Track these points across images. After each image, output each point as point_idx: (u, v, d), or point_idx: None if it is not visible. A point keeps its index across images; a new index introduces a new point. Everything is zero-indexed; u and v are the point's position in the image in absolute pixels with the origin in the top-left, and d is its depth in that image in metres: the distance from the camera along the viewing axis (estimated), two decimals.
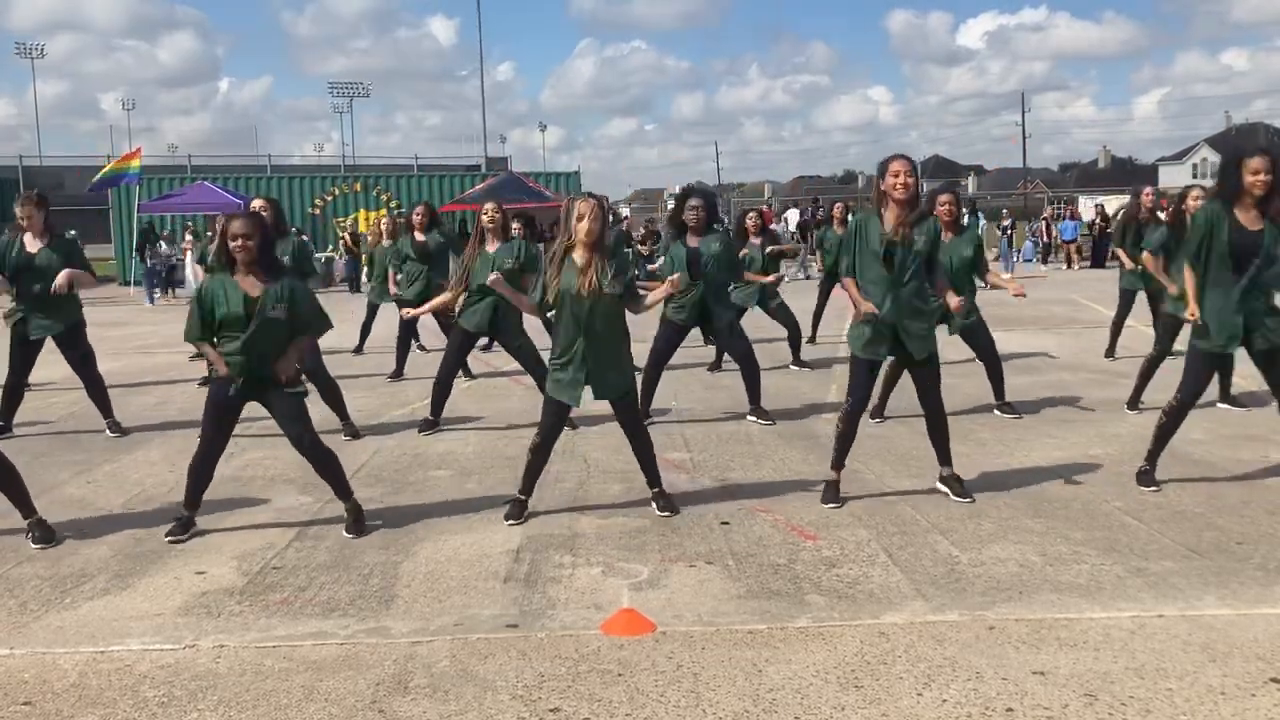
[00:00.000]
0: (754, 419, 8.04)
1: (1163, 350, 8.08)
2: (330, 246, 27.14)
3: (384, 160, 55.11)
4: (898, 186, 5.53)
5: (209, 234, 11.70)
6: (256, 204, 7.93)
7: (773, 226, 26.08)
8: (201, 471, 5.48)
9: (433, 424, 7.91)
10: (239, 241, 5.23)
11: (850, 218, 7.46)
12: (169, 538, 5.36)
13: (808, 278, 22.27)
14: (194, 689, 3.69)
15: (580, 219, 5.45)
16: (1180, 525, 5.25)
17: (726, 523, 5.49)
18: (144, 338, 15.53)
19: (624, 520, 5.53)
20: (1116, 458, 6.63)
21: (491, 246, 7.70)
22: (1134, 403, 8.14)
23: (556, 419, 5.65)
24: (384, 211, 23.89)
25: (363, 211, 28.36)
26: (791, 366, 10.70)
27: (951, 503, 5.73)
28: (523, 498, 5.66)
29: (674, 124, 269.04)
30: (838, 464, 5.87)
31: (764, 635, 4.04)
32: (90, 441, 7.89)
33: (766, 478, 6.41)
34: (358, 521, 5.46)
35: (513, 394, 9.51)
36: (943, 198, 8.07)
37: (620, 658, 3.86)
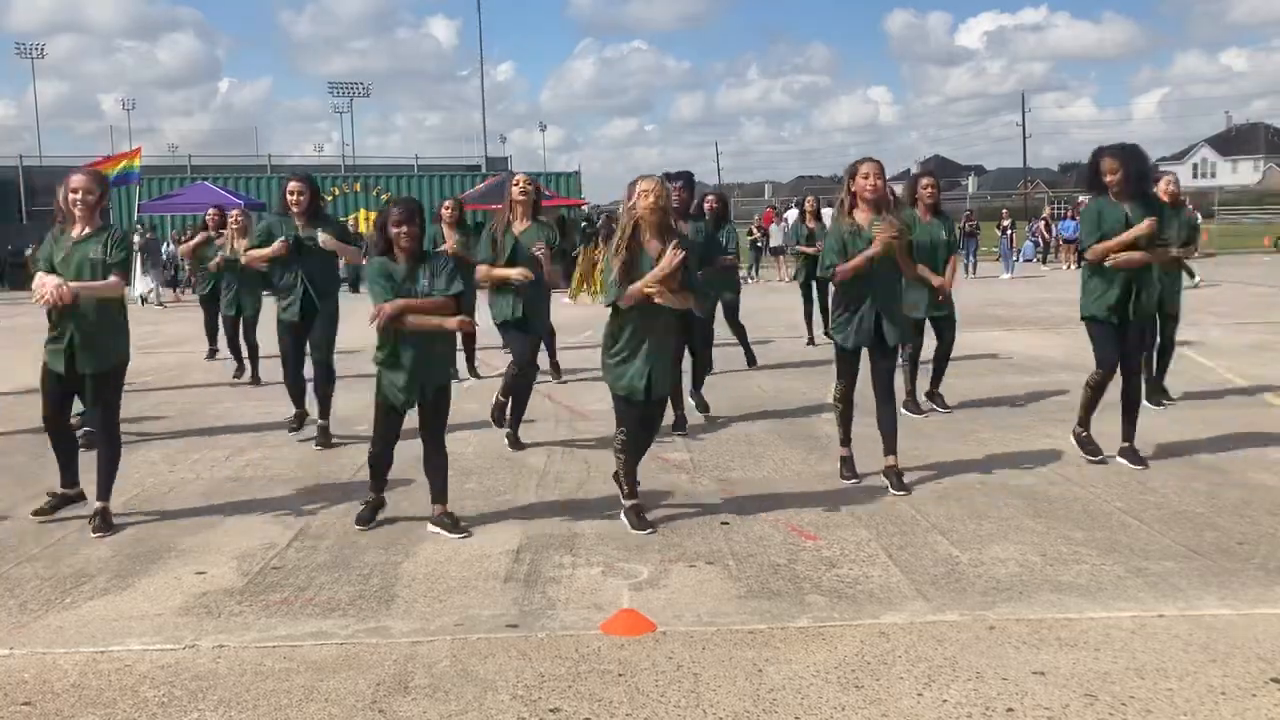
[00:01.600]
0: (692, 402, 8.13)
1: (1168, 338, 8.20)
2: None
3: (384, 160, 55.01)
4: (867, 188, 5.90)
5: (212, 232, 11.61)
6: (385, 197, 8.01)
7: (773, 226, 26.09)
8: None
9: (515, 440, 7.39)
10: (403, 229, 5.28)
11: (823, 211, 7.68)
12: (359, 526, 5.48)
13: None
14: (194, 689, 3.69)
15: (645, 195, 5.26)
16: (1181, 525, 5.25)
17: (726, 523, 5.49)
18: (145, 338, 15.53)
19: (624, 520, 5.52)
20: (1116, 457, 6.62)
21: (520, 225, 7.18)
22: (1153, 397, 8.10)
23: (632, 410, 5.43)
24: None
25: (363, 211, 28.39)
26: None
27: (952, 502, 5.73)
28: (635, 502, 5.51)
29: (674, 124, 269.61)
30: (844, 440, 6.28)
31: (764, 635, 4.04)
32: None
33: (766, 478, 6.41)
34: (454, 522, 5.44)
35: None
36: (925, 180, 8.22)
37: (620, 658, 3.86)
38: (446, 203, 10.31)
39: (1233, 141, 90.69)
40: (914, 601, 4.34)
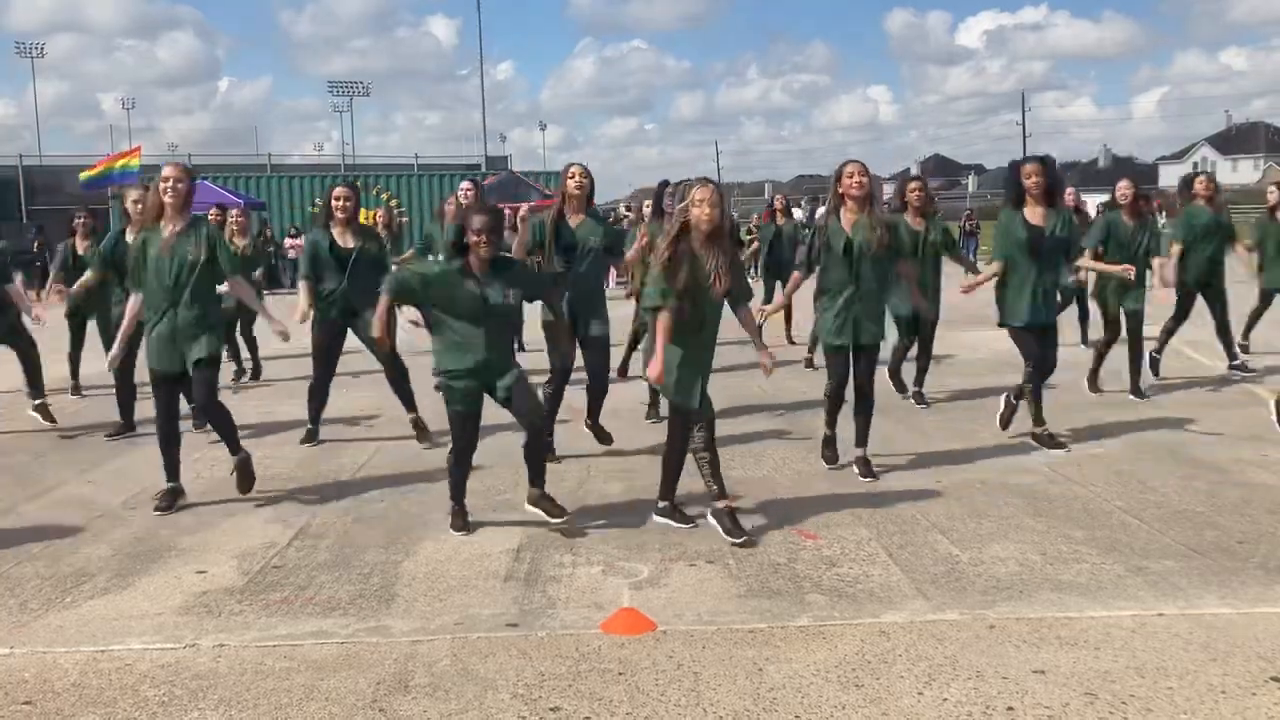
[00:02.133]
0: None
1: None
2: None
3: (384, 159, 55.04)
4: (853, 186, 6.09)
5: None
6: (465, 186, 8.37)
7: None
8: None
9: (607, 440, 7.14)
10: (483, 239, 5.15)
11: (792, 210, 7.84)
12: (457, 532, 5.35)
13: None
14: (194, 688, 3.69)
15: (698, 204, 5.08)
16: (1181, 524, 5.25)
17: None
18: None
19: (624, 519, 5.53)
20: (1117, 457, 6.63)
21: (575, 219, 6.74)
22: (1136, 388, 8.57)
23: (690, 420, 5.24)
24: (383, 209, 23.52)
25: (363, 210, 28.35)
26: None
27: (952, 501, 5.73)
28: (727, 503, 5.30)
29: (674, 123, 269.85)
30: (830, 424, 6.53)
31: (764, 634, 4.04)
32: (92, 441, 7.89)
33: (766, 477, 6.41)
34: (552, 504, 5.38)
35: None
36: (912, 184, 8.51)
37: (621, 657, 3.86)
38: (452, 197, 10.08)
39: (1233, 140, 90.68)
40: (914, 600, 4.34)
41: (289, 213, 32.10)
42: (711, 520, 5.22)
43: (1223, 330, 9.42)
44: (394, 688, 3.66)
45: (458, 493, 5.48)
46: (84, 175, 22.64)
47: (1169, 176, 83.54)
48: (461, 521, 5.42)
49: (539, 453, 5.47)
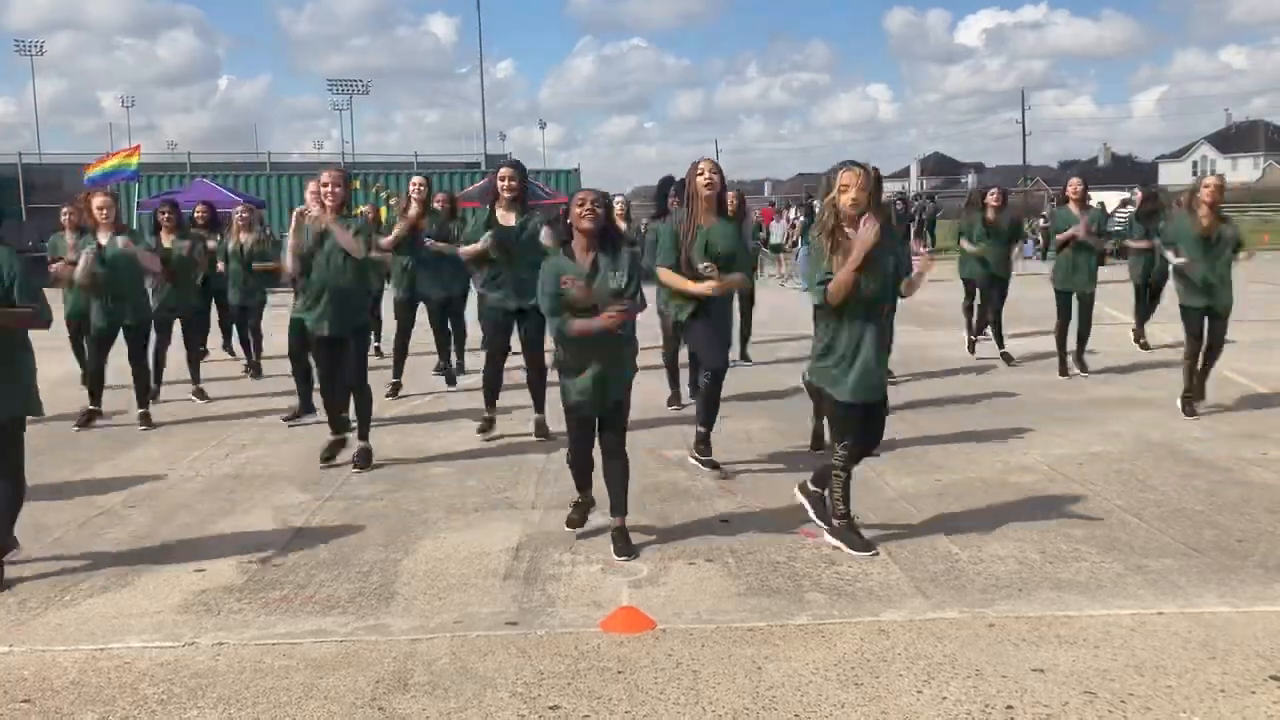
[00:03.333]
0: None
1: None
2: None
3: (384, 158, 54.98)
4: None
5: (204, 232, 11.45)
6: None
7: (772, 224, 26.06)
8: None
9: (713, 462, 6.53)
10: (585, 208, 4.93)
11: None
12: (570, 528, 5.24)
13: None
14: (193, 686, 3.69)
15: (845, 190, 4.78)
16: (1180, 523, 5.25)
17: (726, 520, 5.49)
18: None
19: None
20: (1117, 456, 6.62)
21: (708, 220, 6.25)
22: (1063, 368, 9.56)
23: (855, 421, 4.97)
24: (373, 205, 23.02)
25: (362, 208, 28.35)
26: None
27: (951, 500, 5.73)
28: (848, 518, 5.07)
29: (674, 122, 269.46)
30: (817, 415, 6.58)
31: (764, 632, 4.04)
32: (90, 439, 7.89)
33: (766, 474, 6.41)
34: (624, 542, 5.05)
35: (514, 391, 9.48)
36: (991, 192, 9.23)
37: (620, 655, 3.86)
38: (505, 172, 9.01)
39: (1233, 139, 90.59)
40: (913, 599, 4.34)
41: (289, 211, 32.08)
42: (830, 539, 5.02)
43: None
44: (393, 686, 3.66)
45: (579, 484, 5.33)
46: (87, 173, 22.69)
47: (1169, 175, 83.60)
48: (580, 515, 5.33)
49: (617, 477, 5.14)
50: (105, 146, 61.03)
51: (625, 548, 4.97)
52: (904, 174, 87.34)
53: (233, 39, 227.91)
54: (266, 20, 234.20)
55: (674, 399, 8.63)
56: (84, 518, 5.77)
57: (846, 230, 4.80)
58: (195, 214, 11.53)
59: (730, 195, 8.46)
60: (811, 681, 3.61)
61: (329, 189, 6.57)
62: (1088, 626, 4.02)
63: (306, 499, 6.07)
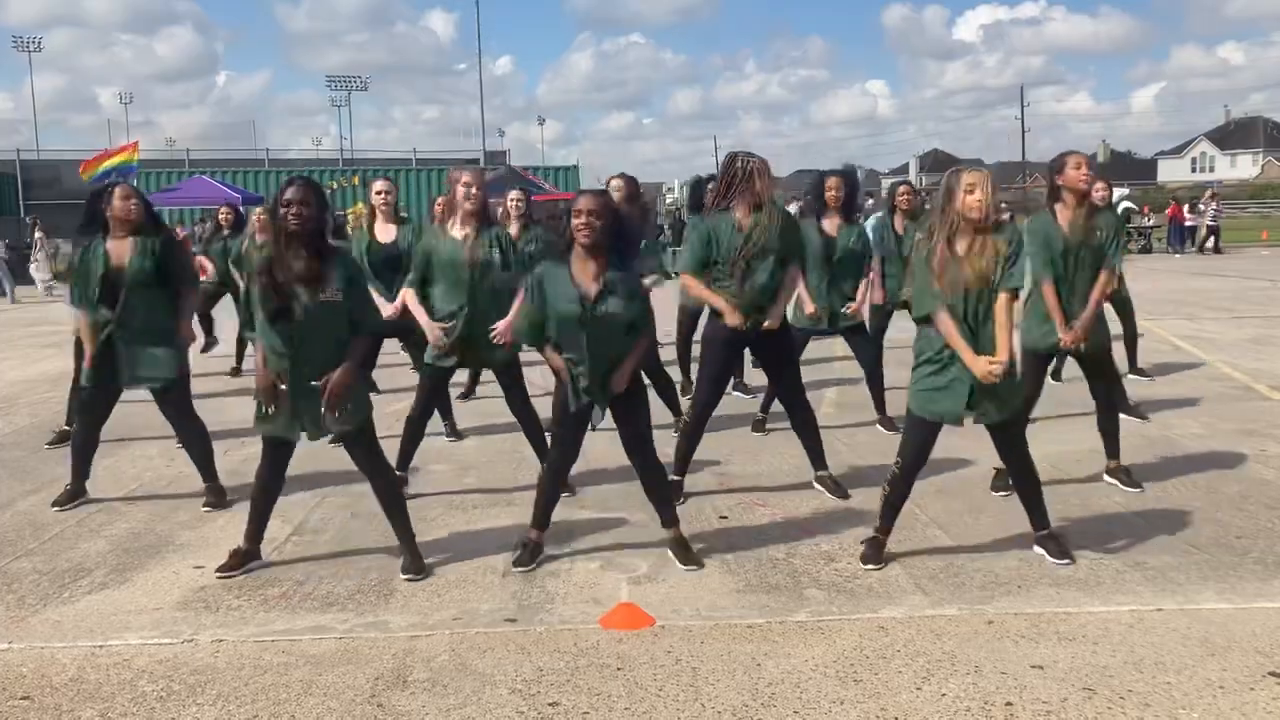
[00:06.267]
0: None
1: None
2: None
3: (382, 154, 54.96)
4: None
5: (226, 230, 11.45)
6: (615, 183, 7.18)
7: None
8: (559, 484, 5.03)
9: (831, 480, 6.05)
10: (584, 219, 4.52)
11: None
12: (517, 568, 4.72)
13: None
14: (192, 683, 3.68)
15: (971, 190, 4.40)
16: (1179, 520, 5.25)
17: (725, 517, 5.49)
18: None
19: (622, 514, 5.52)
20: None
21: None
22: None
23: (930, 438, 4.73)
24: (360, 207, 22.23)
25: (360, 205, 28.33)
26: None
27: (950, 497, 5.73)
28: (881, 537, 4.80)
29: (672, 118, 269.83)
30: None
31: (763, 629, 4.04)
32: None
33: (765, 472, 6.41)
34: (685, 550, 4.81)
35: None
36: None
37: (619, 652, 3.86)
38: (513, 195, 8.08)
39: (1231, 135, 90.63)
40: (912, 596, 4.34)
41: None
42: (1038, 548, 4.81)
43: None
44: (392, 683, 3.65)
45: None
46: (85, 172, 22.68)
47: (1168, 171, 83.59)
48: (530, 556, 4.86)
49: (653, 485, 4.94)
50: (103, 143, 60.99)
51: (683, 556, 4.76)
52: (903, 170, 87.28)
53: (231, 35, 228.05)
54: (265, 16, 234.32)
55: (684, 387, 8.39)
56: (83, 514, 5.76)
57: (957, 245, 4.45)
58: (220, 215, 11.59)
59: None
60: (810, 678, 3.61)
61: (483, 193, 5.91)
62: (1087, 623, 4.02)
63: (305, 496, 6.06)
